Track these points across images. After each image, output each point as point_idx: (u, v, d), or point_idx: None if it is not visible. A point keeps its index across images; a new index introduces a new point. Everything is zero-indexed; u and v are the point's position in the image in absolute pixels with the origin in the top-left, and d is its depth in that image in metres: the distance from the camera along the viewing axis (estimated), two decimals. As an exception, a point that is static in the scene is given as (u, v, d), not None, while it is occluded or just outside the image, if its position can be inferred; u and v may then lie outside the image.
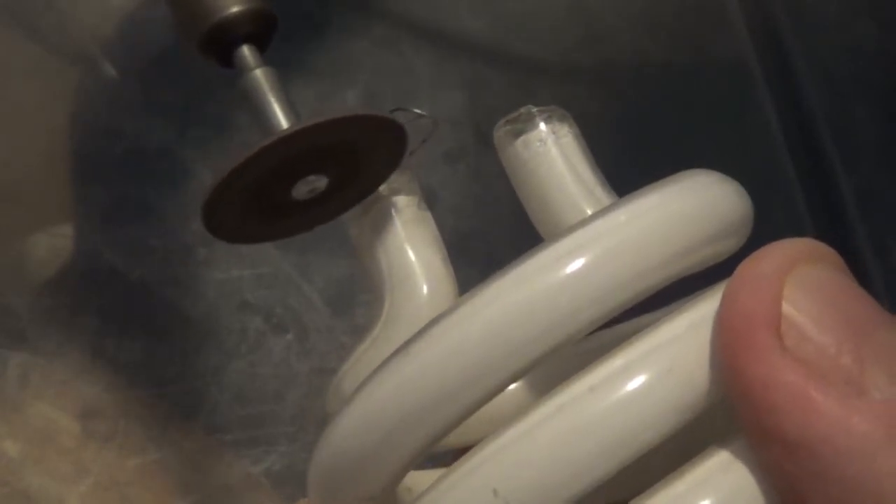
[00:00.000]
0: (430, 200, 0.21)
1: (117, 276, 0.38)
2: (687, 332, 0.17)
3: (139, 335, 0.37)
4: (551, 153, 0.20)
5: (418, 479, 0.19)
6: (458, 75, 0.42)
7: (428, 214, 0.22)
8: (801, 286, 0.17)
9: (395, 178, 0.21)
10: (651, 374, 0.16)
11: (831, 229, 0.42)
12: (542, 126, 0.20)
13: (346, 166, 0.20)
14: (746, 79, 0.44)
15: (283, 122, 0.21)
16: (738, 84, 0.44)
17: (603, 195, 0.20)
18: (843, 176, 0.42)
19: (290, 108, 0.21)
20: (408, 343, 0.17)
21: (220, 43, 0.21)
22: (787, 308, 0.16)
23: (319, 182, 0.20)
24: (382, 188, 0.21)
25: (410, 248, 0.21)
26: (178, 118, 0.40)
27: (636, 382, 0.16)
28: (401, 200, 0.21)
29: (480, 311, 0.17)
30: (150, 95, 0.40)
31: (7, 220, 0.38)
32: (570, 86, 0.43)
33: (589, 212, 0.19)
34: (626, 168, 0.43)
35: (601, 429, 0.16)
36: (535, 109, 0.20)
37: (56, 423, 0.36)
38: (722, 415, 0.17)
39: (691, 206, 0.18)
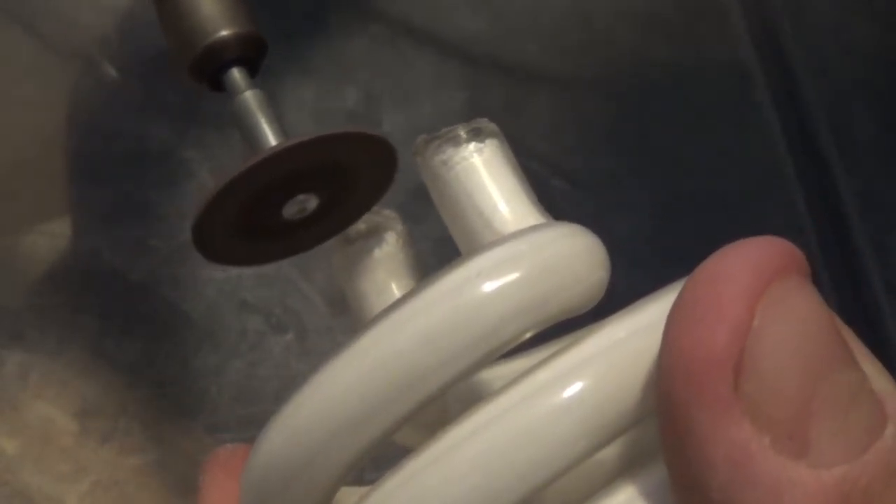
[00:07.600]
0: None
1: (117, 276, 0.38)
2: (628, 337, 0.16)
3: (139, 335, 0.37)
4: (474, 169, 0.19)
5: (349, 497, 0.19)
6: (458, 75, 0.42)
7: (410, 244, 0.22)
8: (773, 319, 0.14)
9: (379, 213, 0.22)
10: (586, 383, 0.16)
11: (831, 229, 0.42)
12: (466, 141, 0.20)
13: (336, 186, 0.20)
14: (746, 79, 0.44)
15: (273, 141, 0.21)
16: (738, 84, 0.44)
17: (528, 212, 0.19)
18: (843, 176, 0.42)
19: (280, 128, 0.21)
20: (330, 356, 0.17)
21: (211, 66, 0.21)
22: (752, 343, 0.14)
23: (310, 202, 0.20)
24: (363, 224, 0.22)
25: (394, 284, 0.21)
26: (178, 118, 0.40)
27: (570, 391, 0.16)
28: (381, 236, 0.22)
29: (398, 329, 0.17)
30: (150, 95, 0.40)
31: (7, 220, 0.38)
32: (569, 86, 0.43)
33: (509, 228, 0.19)
34: (625, 168, 0.43)
35: (533, 439, 0.16)
36: (460, 125, 0.20)
37: (55, 422, 0.36)
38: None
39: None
